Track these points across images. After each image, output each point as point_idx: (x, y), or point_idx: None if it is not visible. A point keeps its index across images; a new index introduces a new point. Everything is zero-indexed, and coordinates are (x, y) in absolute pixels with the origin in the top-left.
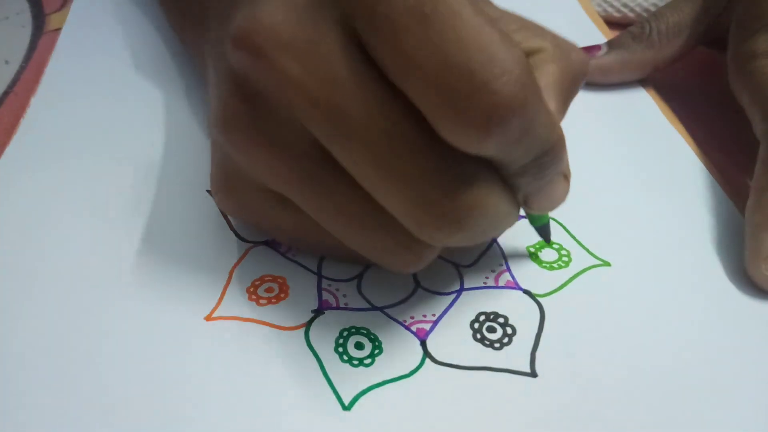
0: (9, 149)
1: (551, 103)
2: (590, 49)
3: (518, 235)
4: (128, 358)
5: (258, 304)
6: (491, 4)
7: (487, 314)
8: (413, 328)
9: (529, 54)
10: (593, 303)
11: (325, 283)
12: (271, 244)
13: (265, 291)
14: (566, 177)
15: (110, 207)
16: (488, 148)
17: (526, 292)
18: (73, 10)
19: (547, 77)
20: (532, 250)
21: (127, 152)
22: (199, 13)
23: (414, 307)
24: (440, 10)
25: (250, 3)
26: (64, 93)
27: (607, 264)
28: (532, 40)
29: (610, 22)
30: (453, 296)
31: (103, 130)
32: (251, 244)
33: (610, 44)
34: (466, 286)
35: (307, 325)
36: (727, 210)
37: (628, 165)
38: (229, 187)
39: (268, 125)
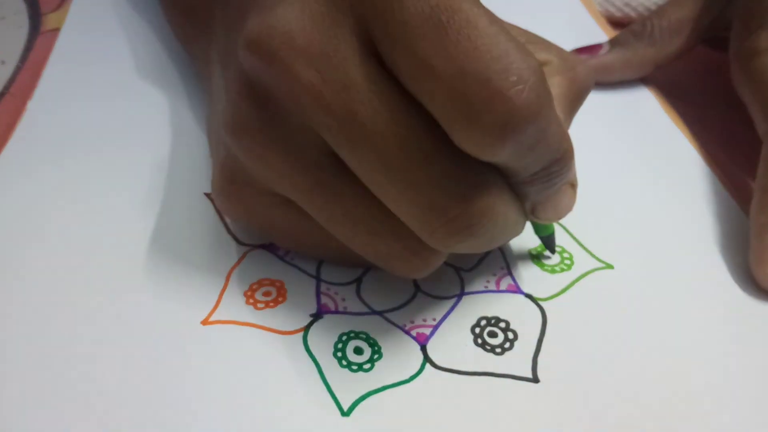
0: (6, 151)
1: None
2: (592, 48)
3: (520, 238)
4: (124, 362)
5: (256, 308)
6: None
7: (488, 319)
8: (413, 333)
9: None
10: (596, 306)
11: (323, 287)
12: (269, 247)
13: (263, 295)
14: (573, 186)
15: (106, 210)
16: (502, 155)
17: (528, 296)
18: (72, 11)
19: (553, 89)
20: (534, 253)
21: (125, 155)
22: (204, 19)
23: (414, 311)
24: (456, 18)
25: (261, 9)
26: (62, 95)
27: (610, 266)
28: (538, 54)
29: (612, 22)
30: (453, 300)
31: (101, 132)
32: (249, 247)
33: (612, 42)
34: (466, 290)
35: (306, 330)
36: (730, 210)
37: (631, 165)
38: (233, 189)
39: (279, 130)
